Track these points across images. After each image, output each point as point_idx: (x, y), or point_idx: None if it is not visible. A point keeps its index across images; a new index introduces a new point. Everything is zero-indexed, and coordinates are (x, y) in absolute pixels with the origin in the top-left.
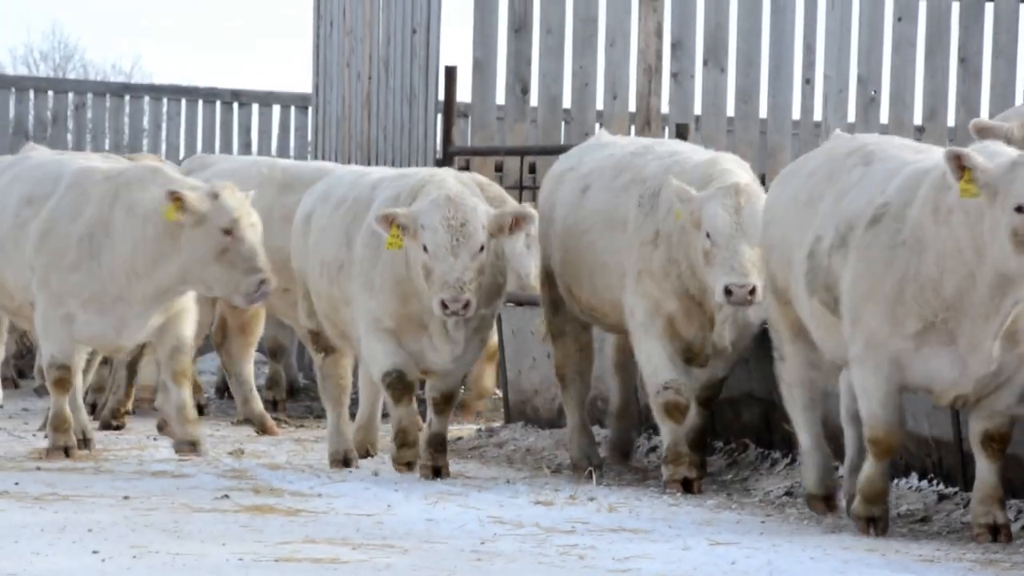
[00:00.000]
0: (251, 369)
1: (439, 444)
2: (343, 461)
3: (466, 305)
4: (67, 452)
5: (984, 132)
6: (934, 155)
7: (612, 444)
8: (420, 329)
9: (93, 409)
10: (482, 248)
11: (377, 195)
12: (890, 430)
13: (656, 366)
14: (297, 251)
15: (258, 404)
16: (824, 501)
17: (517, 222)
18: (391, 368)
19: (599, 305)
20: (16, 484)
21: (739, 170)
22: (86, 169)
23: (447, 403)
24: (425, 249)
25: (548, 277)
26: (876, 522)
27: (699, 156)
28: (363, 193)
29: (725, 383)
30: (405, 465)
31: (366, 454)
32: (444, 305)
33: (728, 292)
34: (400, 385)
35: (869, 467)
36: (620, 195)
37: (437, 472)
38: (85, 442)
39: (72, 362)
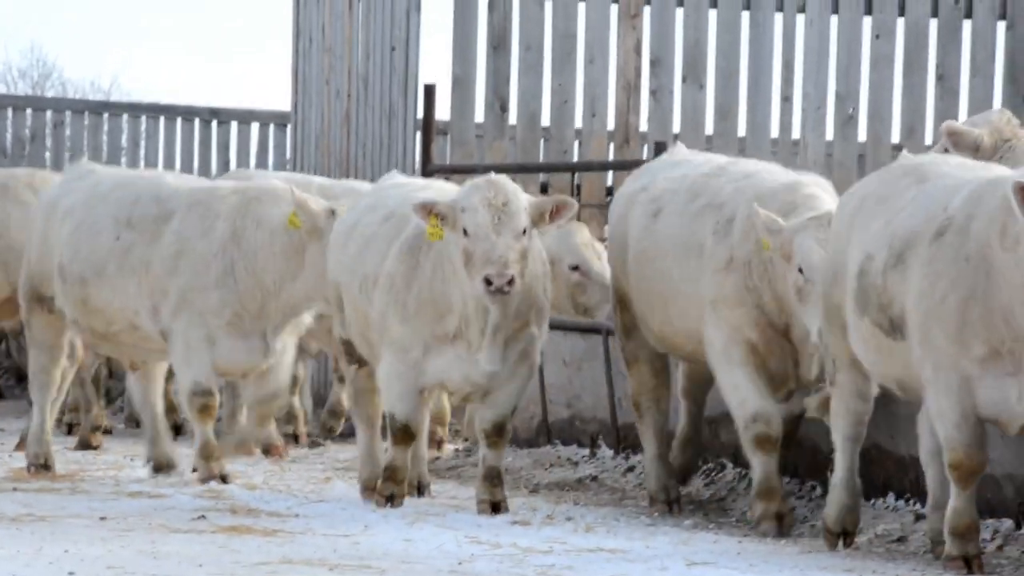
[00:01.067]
0: None
1: (495, 478)
2: (375, 488)
3: (511, 281)
4: (223, 479)
5: (955, 137)
6: (995, 170)
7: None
8: (455, 343)
9: (70, 430)
10: (525, 231)
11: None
12: (970, 452)
13: (743, 397)
14: (335, 262)
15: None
16: (838, 538)
17: (558, 210)
18: (401, 418)
19: (672, 335)
20: None
21: (824, 195)
22: (208, 187)
23: (499, 434)
24: (466, 233)
25: (621, 301)
26: (971, 561)
27: (778, 178)
28: (404, 207)
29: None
30: (387, 497)
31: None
32: (488, 281)
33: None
34: (402, 434)
35: (955, 498)
36: (695, 220)
37: (496, 507)
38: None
39: (214, 388)
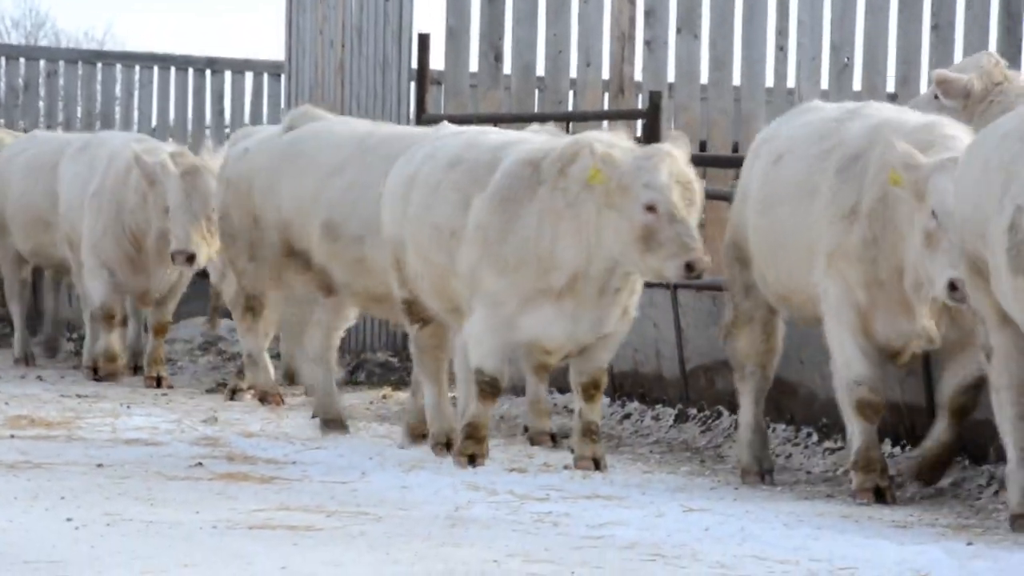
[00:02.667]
0: None
1: (594, 433)
2: (446, 444)
3: (707, 268)
4: (472, 460)
5: (945, 85)
6: None
7: None
8: (561, 300)
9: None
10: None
11: (504, 156)
12: None
13: (848, 358)
14: (394, 216)
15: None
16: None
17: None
18: (490, 372)
19: (788, 293)
20: None
21: (964, 136)
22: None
23: (597, 388)
24: (652, 209)
25: (739, 259)
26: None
27: (914, 119)
28: (483, 155)
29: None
30: (468, 456)
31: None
32: (690, 267)
33: (953, 287)
34: (491, 389)
35: None
36: (816, 162)
37: (597, 464)
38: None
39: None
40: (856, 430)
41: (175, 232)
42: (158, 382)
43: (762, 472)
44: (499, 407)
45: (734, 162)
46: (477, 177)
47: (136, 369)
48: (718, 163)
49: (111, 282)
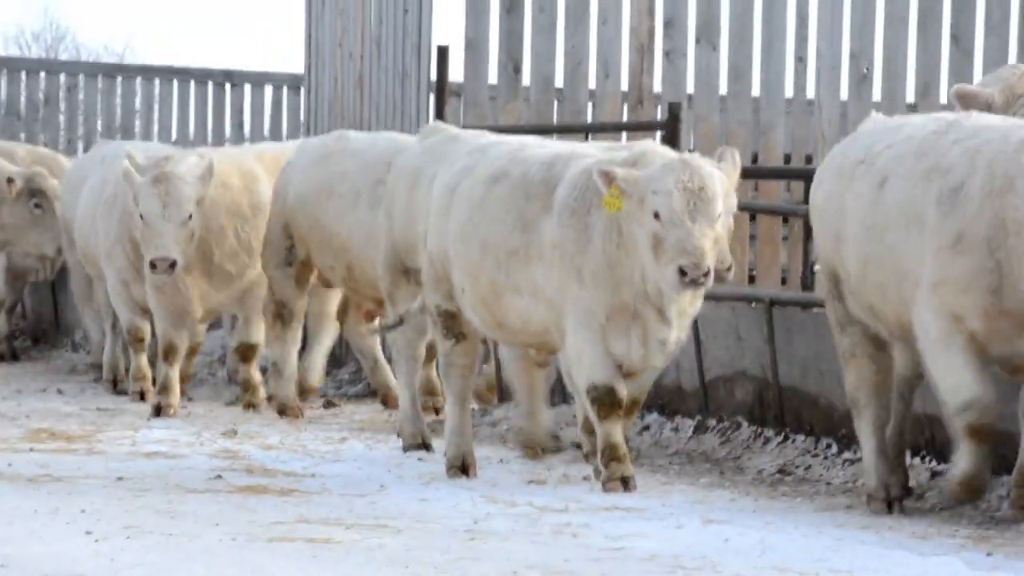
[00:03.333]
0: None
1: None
2: (461, 467)
3: (707, 273)
4: (625, 483)
5: (966, 99)
6: None
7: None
8: (631, 321)
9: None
10: (719, 216)
11: (563, 172)
12: None
13: (956, 382)
14: (436, 229)
15: (388, 373)
16: None
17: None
18: (603, 382)
19: (910, 323)
20: (9, 465)
21: None
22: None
23: (636, 406)
24: (657, 216)
25: (835, 291)
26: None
27: (1015, 135)
28: (533, 170)
29: None
30: (620, 481)
31: (540, 451)
32: (682, 272)
33: None
34: (609, 401)
35: None
36: (918, 185)
37: (626, 483)
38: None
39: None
40: (965, 451)
41: (154, 240)
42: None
43: (889, 499)
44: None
45: (786, 174)
46: (531, 194)
47: (115, 383)
48: (772, 175)
49: (133, 302)
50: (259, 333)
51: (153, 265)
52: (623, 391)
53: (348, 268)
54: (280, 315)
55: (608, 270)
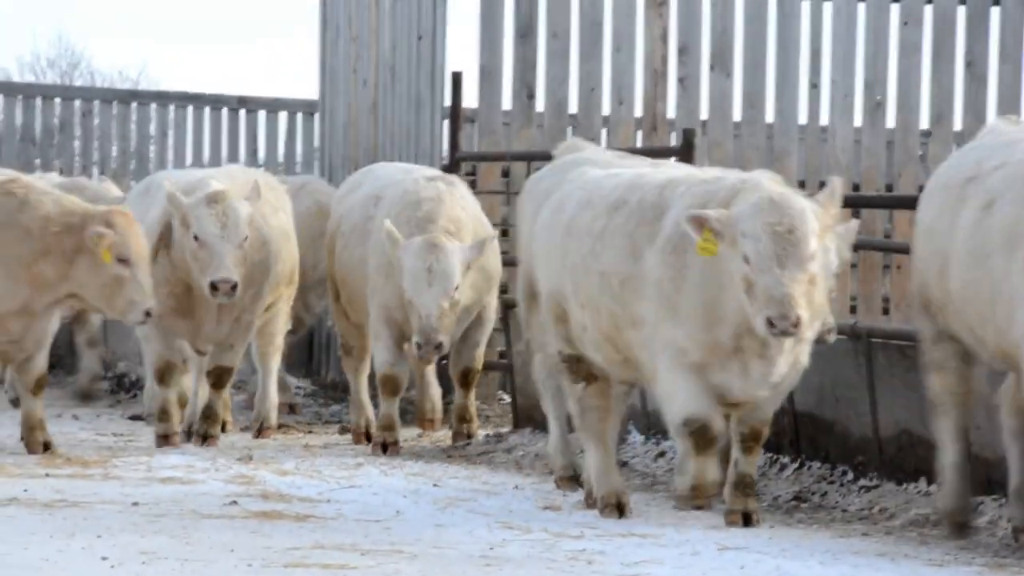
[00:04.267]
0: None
1: (748, 487)
2: (617, 505)
3: (796, 323)
4: (747, 519)
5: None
6: None
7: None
8: (731, 355)
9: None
10: (813, 257)
11: (672, 198)
12: None
13: None
14: (551, 268)
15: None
16: None
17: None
18: (696, 417)
19: (1011, 349)
20: (25, 491)
21: None
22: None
23: (756, 440)
24: (746, 260)
25: (927, 307)
26: None
27: None
28: (649, 195)
29: None
30: (743, 515)
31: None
32: (770, 323)
33: None
34: (704, 437)
35: None
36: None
37: (748, 519)
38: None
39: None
40: None
41: (213, 261)
42: (204, 439)
43: (962, 523)
44: (533, 444)
45: (888, 203)
46: (644, 219)
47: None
48: (872, 204)
49: (163, 333)
50: (236, 358)
51: (215, 287)
52: (719, 425)
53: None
54: (346, 349)
55: (704, 309)
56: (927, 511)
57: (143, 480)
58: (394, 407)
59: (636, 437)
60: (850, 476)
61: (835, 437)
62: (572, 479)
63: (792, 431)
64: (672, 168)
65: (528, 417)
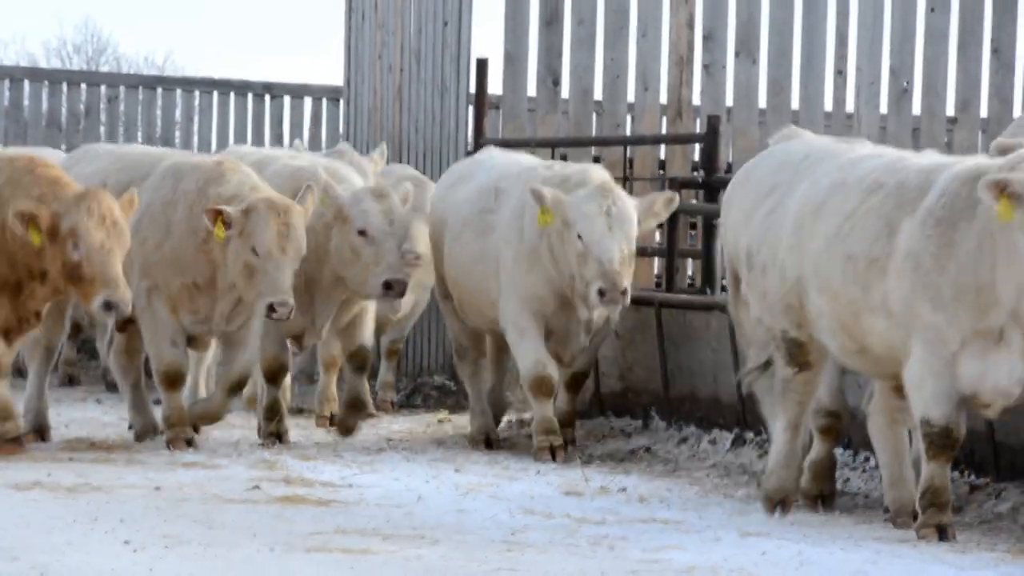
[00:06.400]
0: None
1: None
2: (782, 503)
3: None
4: (943, 532)
5: (1007, 151)
6: None
7: None
8: (992, 346)
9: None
10: None
11: (936, 177)
12: None
13: None
14: (792, 252)
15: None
16: None
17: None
18: (938, 422)
19: None
20: (49, 475)
21: None
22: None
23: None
24: None
25: None
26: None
27: None
28: (910, 178)
29: None
30: (935, 527)
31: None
32: None
33: None
34: (942, 442)
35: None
36: None
37: (942, 532)
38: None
39: None
40: None
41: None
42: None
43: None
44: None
45: None
46: (904, 200)
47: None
48: None
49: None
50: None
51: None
52: (961, 431)
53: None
54: (459, 353)
55: (975, 293)
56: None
57: (166, 464)
58: (549, 408)
59: (658, 423)
60: (872, 463)
61: (858, 424)
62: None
63: None
64: (928, 154)
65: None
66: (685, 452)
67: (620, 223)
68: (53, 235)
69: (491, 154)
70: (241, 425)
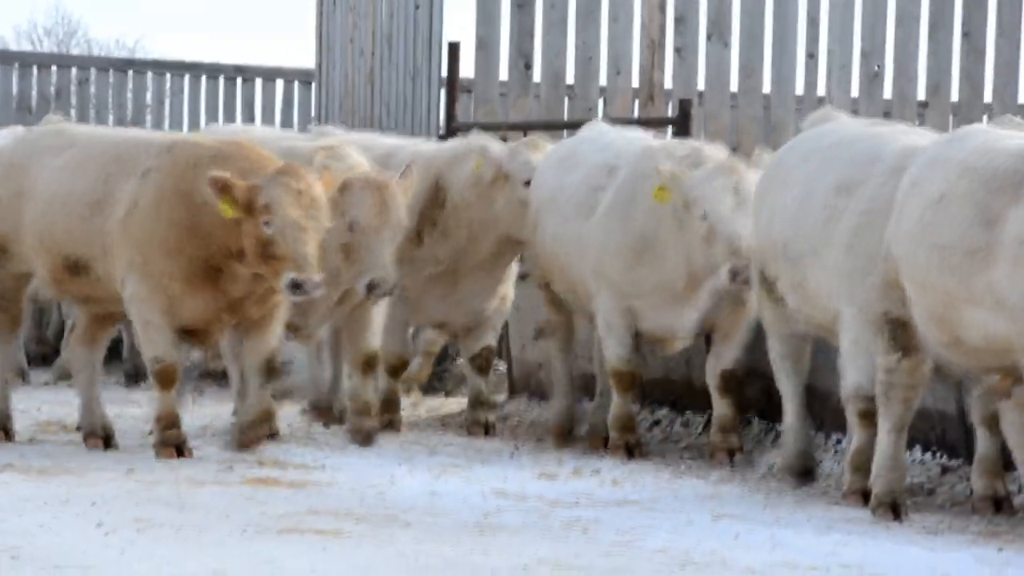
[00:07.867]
0: None
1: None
2: (892, 506)
3: None
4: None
5: None
6: None
7: None
8: None
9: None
10: None
11: None
12: None
13: None
14: (891, 227)
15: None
16: None
17: None
18: None
19: None
20: (21, 457)
21: None
22: (910, 148)
23: None
24: None
25: None
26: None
27: None
28: (1001, 160)
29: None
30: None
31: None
32: None
33: None
34: None
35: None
36: None
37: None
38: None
39: None
40: None
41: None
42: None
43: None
44: (528, 412)
45: None
46: (998, 185)
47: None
48: None
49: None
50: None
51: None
52: None
53: None
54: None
55: None
56: (922, 479)
57: (138, 447)
58: (630, 404)
59: (632, 407)
60: (843, 444)
61: (830, 406)
62: (803, 472)
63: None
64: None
65: (524, 385)
66: (657, 435)
67: (746, 202)
68: (249, 209)
69: (600, 129)
70: (213, 406)
